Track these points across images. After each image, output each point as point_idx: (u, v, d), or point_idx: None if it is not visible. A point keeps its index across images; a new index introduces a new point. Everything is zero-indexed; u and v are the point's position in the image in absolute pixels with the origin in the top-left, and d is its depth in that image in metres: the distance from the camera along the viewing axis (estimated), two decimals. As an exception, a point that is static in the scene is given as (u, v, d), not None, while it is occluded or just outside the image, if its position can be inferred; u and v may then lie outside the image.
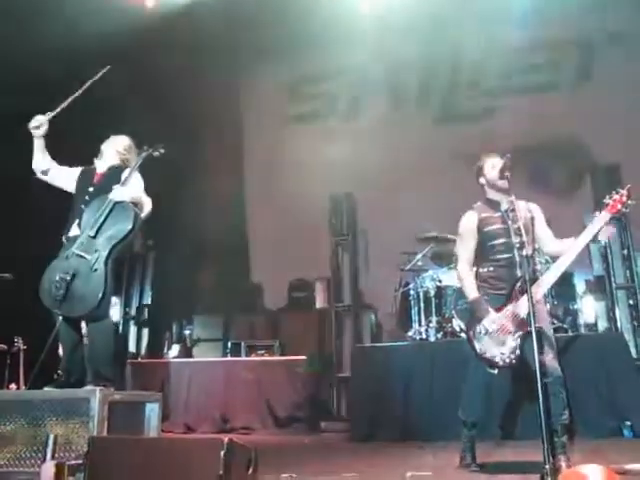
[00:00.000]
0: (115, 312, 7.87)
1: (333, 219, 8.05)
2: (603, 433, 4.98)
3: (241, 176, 9.62)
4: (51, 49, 6.59)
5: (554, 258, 3.71)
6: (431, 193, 7.83)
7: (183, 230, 8.88)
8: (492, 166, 3.74)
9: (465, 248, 3.78)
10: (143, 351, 8.33)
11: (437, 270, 6.58)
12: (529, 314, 3.17)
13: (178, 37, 8.11)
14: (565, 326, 6.00)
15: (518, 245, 3.45)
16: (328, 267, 7.95)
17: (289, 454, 5.05)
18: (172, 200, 8.01)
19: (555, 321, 5.72)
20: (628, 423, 5.06)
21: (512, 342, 3.48)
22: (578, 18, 7.94)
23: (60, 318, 3.82)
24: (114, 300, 7.19)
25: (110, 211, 3.78)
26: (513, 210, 3.54)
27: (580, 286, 6.86)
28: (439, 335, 6.18)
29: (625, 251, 6.57)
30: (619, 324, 6.38)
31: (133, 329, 8.41)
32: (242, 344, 7.46)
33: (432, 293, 6.34)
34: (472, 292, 3.66)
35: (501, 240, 3.64)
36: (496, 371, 3.54)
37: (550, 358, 3.42)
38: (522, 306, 3.44)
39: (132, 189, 3.91)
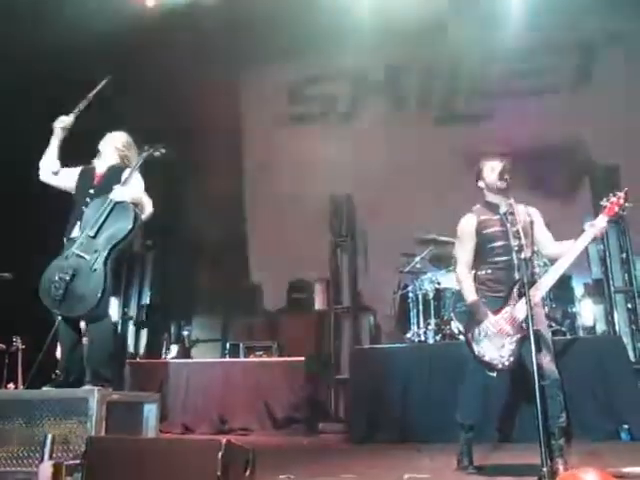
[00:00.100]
0: (114, 312, 7.86)
1: (333, 220, 8.06)
2: (600, 436, 4.98)
3: (240, 176, 9.61)
4: (51, 49, 6.59)
5: (552, 261, 3.71)
6: (431, 195, 7.83)
7: (182, 230, 8.89)
8: (491, 169, 3.74)
9: (464, 250, 3.78)
10: (142, 351, 8.33)
11: (436, 272, 6.58)
12: (527, 317, 3.18)
13: (178, 37, 8.12)
14: (563, 329, 6.01)
15: (517, 248, 3.46)
16: (327, 268, 7.96)
17: (287, 455, 5.04)
18: (171, 200, 8.01)
19: (553, 324, 5.73)
20: (626, 426, 5.07)
21: (510, 345, 3.48)
22: (578, 20, 7.93)
23: (59, 318, 3.82)
24: (113, 300, 7.19)
25: (110, 211, 3.78)
26: (512, 213, 3.54)
27: (579, 289, 6.88)
28: (438, 337, 6.18)
29: (624, 255, 6.58)
30: (617, 327, 6.40)
31: (132, 329, 8.40)
32: (240, 345, 7.46)
33: (431, 295, 6.35)
34: (471, 295, 3.66)
35: (500, 243, 3.64)
36: (495, 374, 3.55)
37: (547, 361, 3.42)
38: (520, 309, 3.45)
39: (132, 189, 3.91)
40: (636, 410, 5.09)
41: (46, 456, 2.75)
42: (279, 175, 8.92)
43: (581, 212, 6.11)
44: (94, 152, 4.22)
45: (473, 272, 3.76)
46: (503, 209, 3.65)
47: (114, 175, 4.01)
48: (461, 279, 3.75)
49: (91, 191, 3.97)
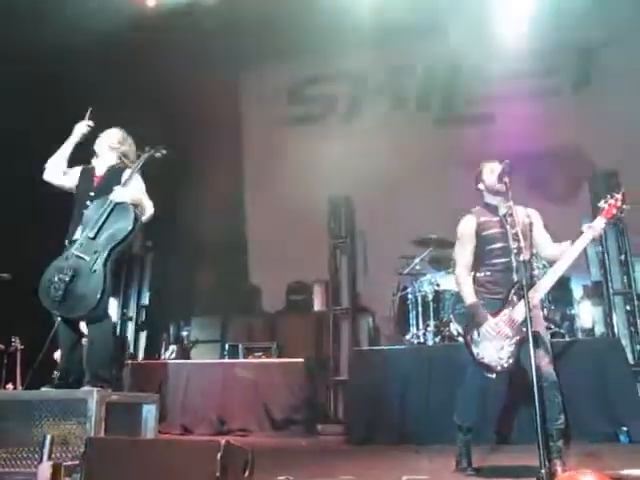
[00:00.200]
0: (113, 313, 7.85)
1: (332, 221, 8.05)
2: (599, 438, 4.97)
3: (240, 177, 9.62)
4: (51, 49, 6.59)
5: (551, 263, 3.71)
6: (430, 196, 7.83)
7: (182, 231, 8.88)
8: (491, 171, 3.75)
9: (463, 252, 3.78)
10: (141, 352, 8.32)
11: (435, 274, 6.59)
12: (526, 319, 3.18)
13: (178, 37, 8.12)
14: (562, 331, 6.01)
15: (515, 250, 3.46)
16: (326, 270, 7.95)
17: (286, 457, 5.04)
18: (171, 201, 8.00)
19: (552, 326, 5.73)
20: (624, 428, 5.06)
21: (509, 347, 3.48)
22: (577, 22, 7.94)
23: (59, 318, 3.82)
24: (112, 301, 7.18)
25: (110, 212, 3.79)
26: (511, 215, 3.54)
27: (577, 291, 6.87)
28: (437, 339, 6.18)
29: (622, 257, 6.57)
30: (616, 330, 6.39)
31: (131, 330, 8.39)
32: (240, 346, 7.46)
33: (430, 297, 6.35)
34: (470, 297, 3.66)
35: (499, 244, 3.65)
36: (494, 376, 3.54)
37: (546, 363, 3.43)
38: (519, 311, 3.45)
39: (133, 190, 3.91)
40: (634, 412, 5.09)
41: (45, 457, 2.76)
42: (279, 176, 8.92)
43: (580, 214, 6.10)
44: (93, 152, 4.22)
45: (472, 274, 3.76)
46: (502, 211, 3.66)
47: (114, 176, 4.01)
48: (460, 281, 3.75)
49: (91, 193, 3.97)
